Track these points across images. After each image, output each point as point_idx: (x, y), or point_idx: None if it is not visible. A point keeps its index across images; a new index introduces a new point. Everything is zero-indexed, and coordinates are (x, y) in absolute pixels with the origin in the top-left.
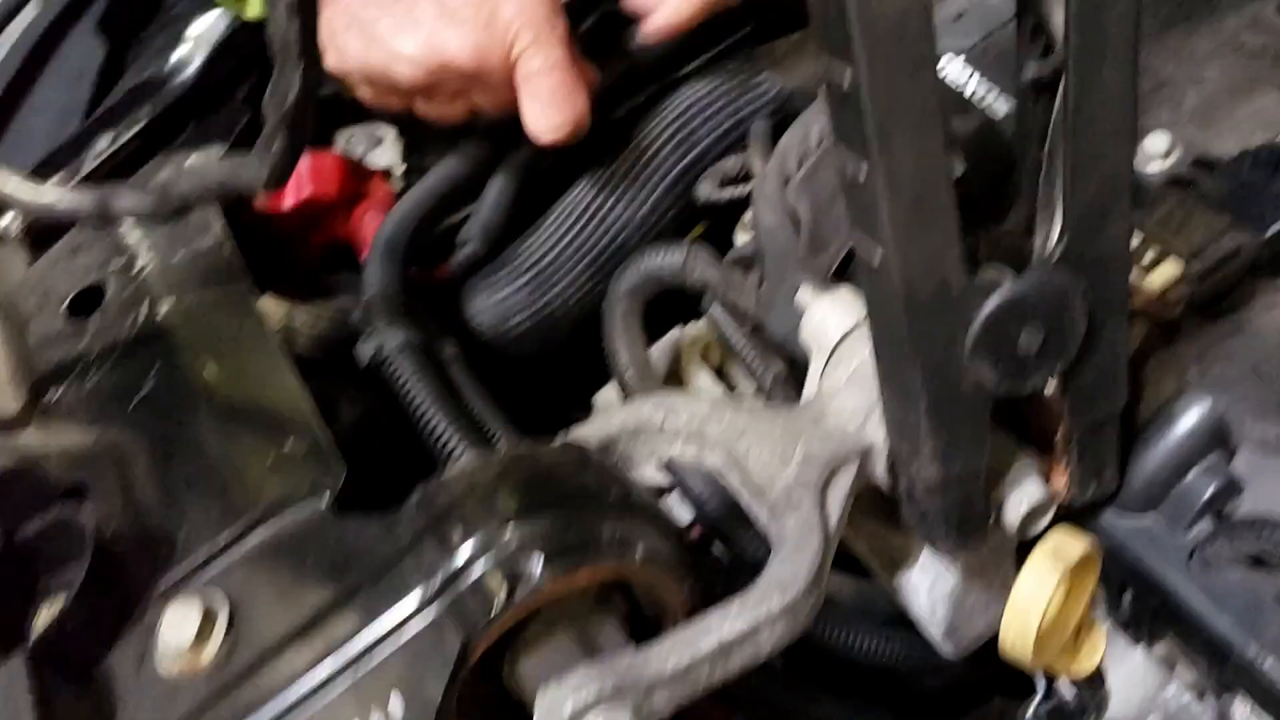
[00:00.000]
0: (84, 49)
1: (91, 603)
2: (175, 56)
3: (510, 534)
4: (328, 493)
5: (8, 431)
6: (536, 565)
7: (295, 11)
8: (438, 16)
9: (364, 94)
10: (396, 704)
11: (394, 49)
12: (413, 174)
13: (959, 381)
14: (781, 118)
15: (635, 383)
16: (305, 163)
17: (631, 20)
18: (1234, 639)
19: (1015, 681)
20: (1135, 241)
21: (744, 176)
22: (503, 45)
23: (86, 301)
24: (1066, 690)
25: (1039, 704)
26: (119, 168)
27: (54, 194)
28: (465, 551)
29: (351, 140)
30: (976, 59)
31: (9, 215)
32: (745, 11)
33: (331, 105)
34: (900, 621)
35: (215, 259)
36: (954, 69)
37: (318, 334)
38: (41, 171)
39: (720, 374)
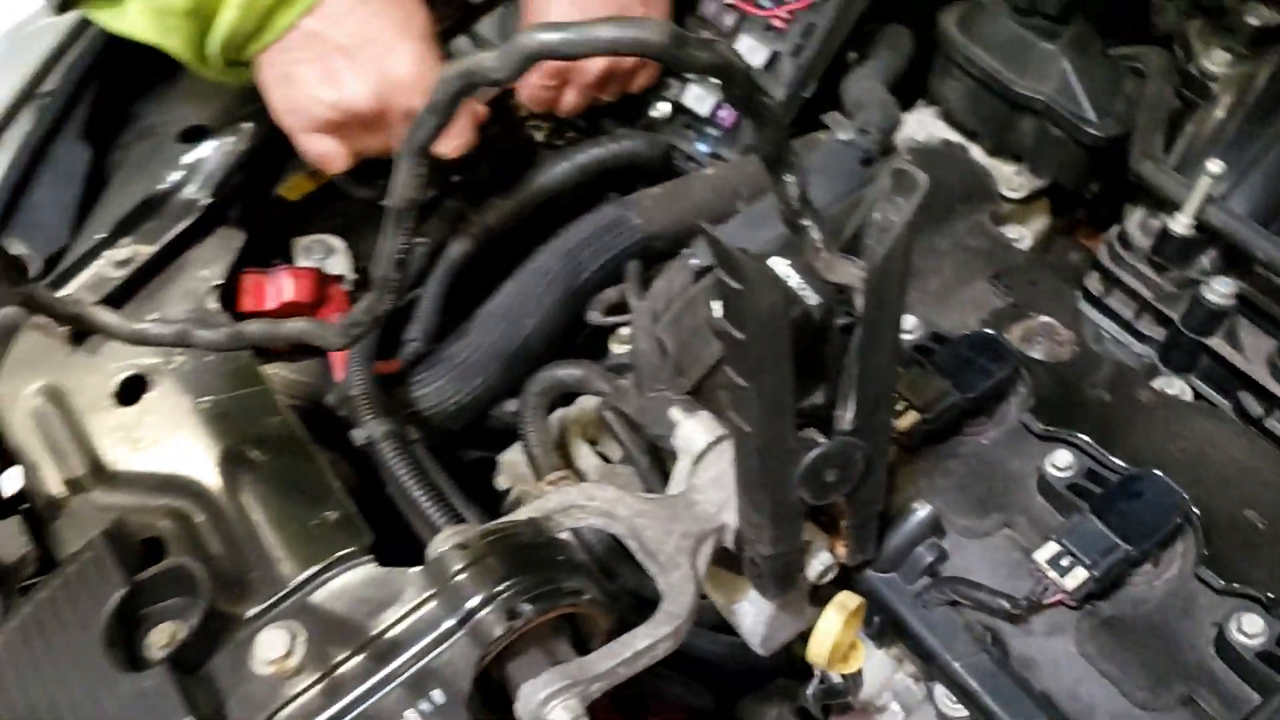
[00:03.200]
0: (71, 154)
1: (206, 626)
2: (173, 177)
3: (507, 589)
4: (369, 552)
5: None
6: (527, 608)
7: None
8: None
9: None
10: (438, 694)
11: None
12: (361, 278)
13: (788, 499)
14: (646, 254)
15: (540, 456)
16: (286, 274)
17: None
18: (937, 650)
19: (791, 667)
20: None
21: (621, 307)
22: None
23: (132, 388)
24: (833, 676)
25: (816, 685)
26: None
27: (145, 326)
28: (476, 600)
29: (309, 249)
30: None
31: None
32: None
33: (290, 215)
34: (722, 629)
35: (238, 361)
36: (779, 265)
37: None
38: (56, 262)
39: (593, 444)
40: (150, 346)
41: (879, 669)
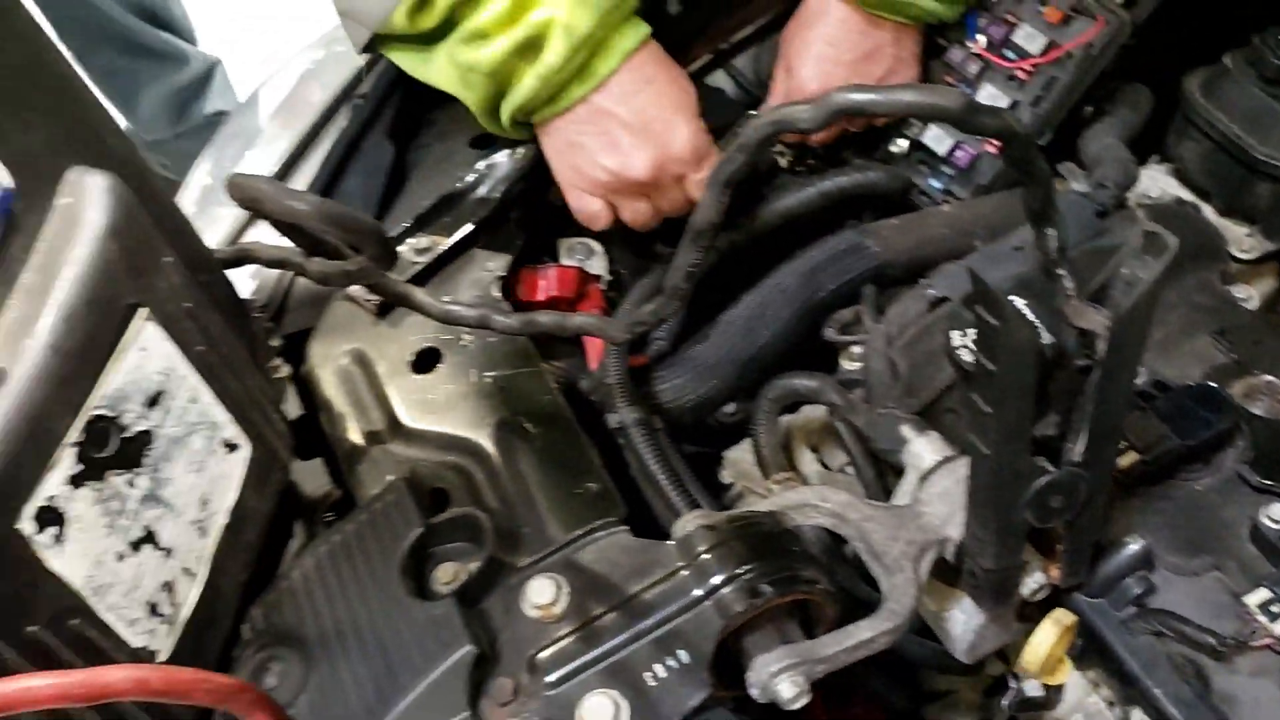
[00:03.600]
0: (379, 151)
1: (486, 569)
2: (467, 178)
3: (749, 571)
4: (624, 523)
5: (384, 445)
6: (767, 589)
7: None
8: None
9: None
10: (683, 654)
11: (598, 163)
12: (614, 280)
13: (1014, 518)
14: (880, 280)
15: (769, 456)
16: (554, 271)
17: None
18: (1139, 675)
19: (980, 681)
20: None
21: (854, 326)
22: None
23: (426, 359)
24: (1030, 688)
25: (1013, 697)
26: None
27: (454, 307)
28: (721, 577)
29: (572, 249)
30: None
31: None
32: None
33: (556, 219)
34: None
35: (517, 343)
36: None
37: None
38: None
39: (815, 451)
40: (455, 325)
41: (1074, 689)
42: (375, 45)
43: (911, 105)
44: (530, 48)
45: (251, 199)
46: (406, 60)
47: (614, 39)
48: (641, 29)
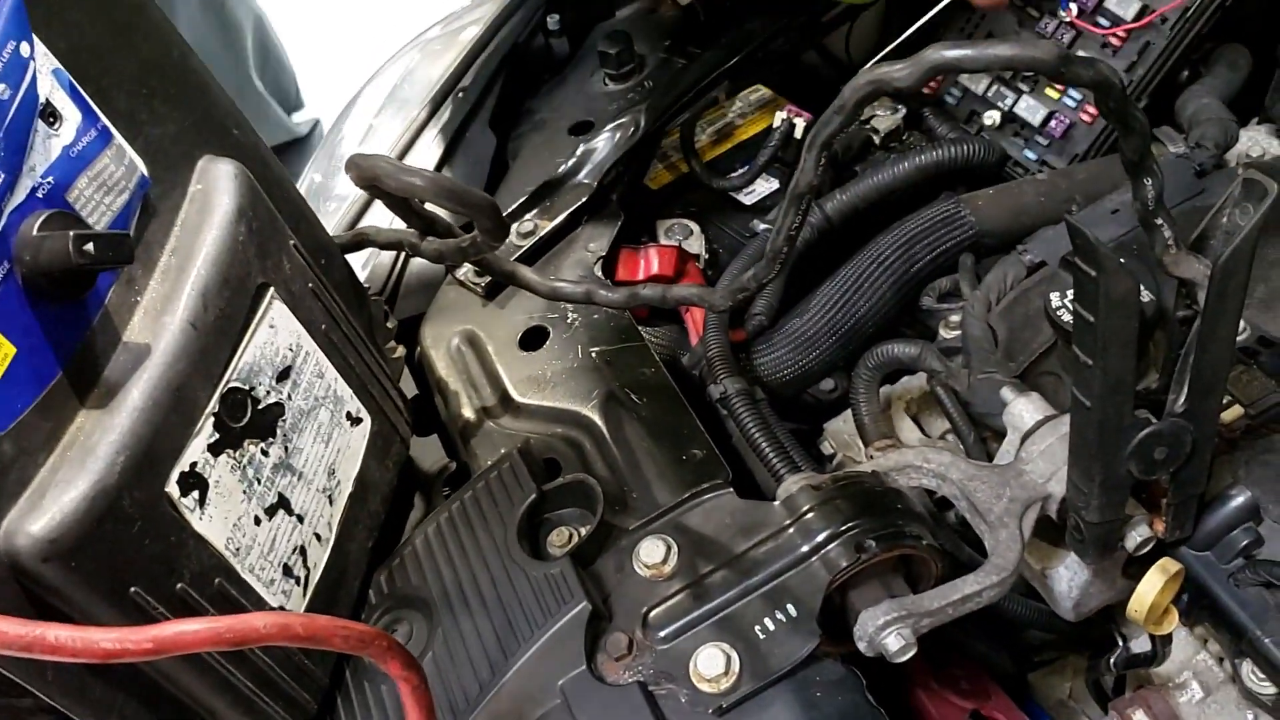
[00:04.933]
0: (481, 141)
1: (598, 531)
2: (567, 164)
3: (854, 527)
4: (729, 486)
5: (496, 419)
6: (872, 544)
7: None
8: None
9: None
10: (791, 608)
11: None
12: (710, 259)
13: (1118, 470)
14: (977, 249)
15: (869, 424)
16: (654, 250)
17: None
18: (1248, 625)
19: (1084, 644)
20: None
21: (952, 294)
22: None
23: (534, 337)
24: (1137, 644)
25: (1120, 653)
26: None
27: (559, 284)
28: (826, 533)
29: (671, 230)
30: (1124, 248)
31: (469, 269)
32: None
33: (653, 201)
34: (1028, 594)
35: (621, 320)
36: None
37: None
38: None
39: (915, 420)
40: (561, 301)
41: (1182, 647)
42: None
43: (1007, 58)
44: None
45: (371, 177)
46: None
47: None
48: None
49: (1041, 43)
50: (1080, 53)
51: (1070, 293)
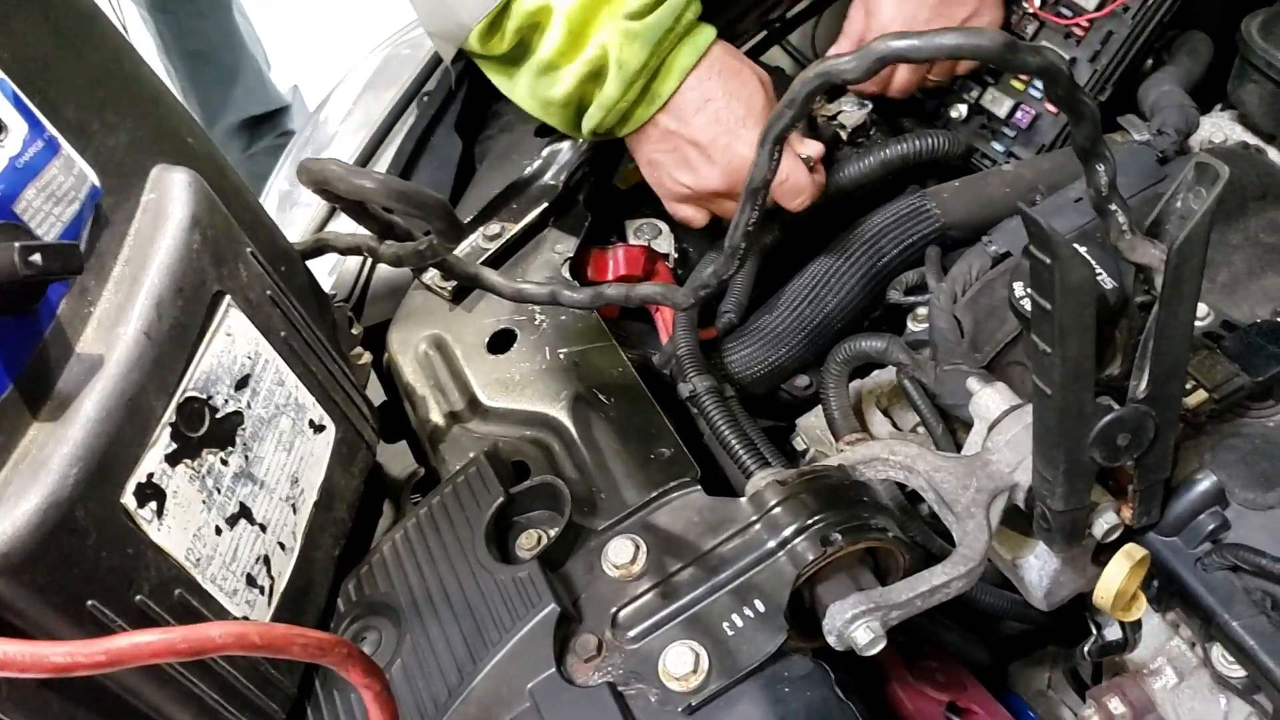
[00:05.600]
0: (446, 145)
1: (567, 533)
2: (534, 165)
3: (820, 520)
4: (698, 483)
5: (464, 424)
6: (838, 537)
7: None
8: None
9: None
10: (759, 604)
11: (675, 178)
12: (680, 258)
13: (1081, 458)
14: (943, 242)
15: (839, 419)
16: (623, 250)
17: None
18: (1216, 610)
19: (1063, 633)
20: None
21: (919, 288)
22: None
23: (501, 340)
24: (1110, 632)
25: (1093, 641)
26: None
27: (524, 286)
28: (793, 528)
29: (639, 230)
30: (1087, 236)
31: (435, 274)
32: None
33: (623, 201)
34: (1002, 586)
35: (589, 320)
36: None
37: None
38: None
39: (887, 414)
40: (526, 303)
41: (1155, 633)
42: (460, 59)
43: (952, 48)
44: (595, 77)
45: (321, 180)
46: (495, 78)
47: (671, 59)
48: (701, 39)
49: (987, 31)
50: (1044, 43)
51: None
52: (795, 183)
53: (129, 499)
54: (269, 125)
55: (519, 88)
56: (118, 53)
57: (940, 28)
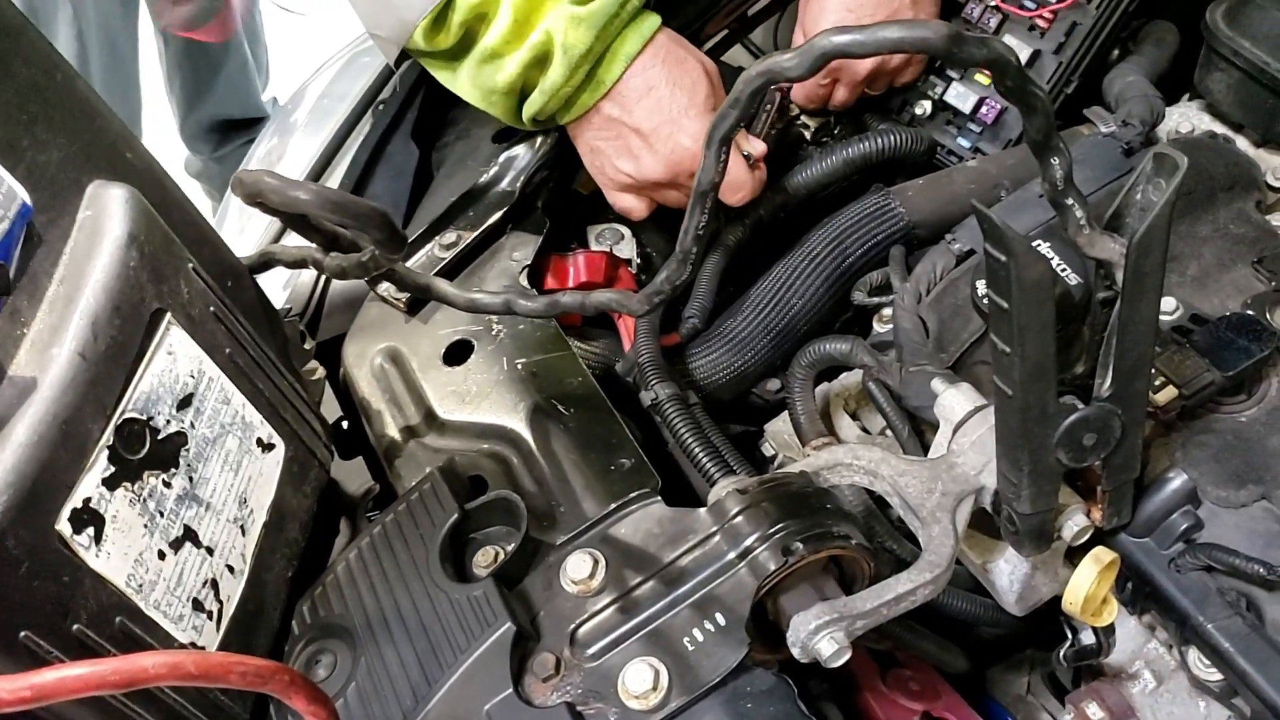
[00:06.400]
0: (403, 154)
1: (523, 549)
2: (489, 172)
3: (781, 529)
4: (658, 494)
5: (420, 438)
6: (799, 546)
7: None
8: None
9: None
10: (720, 617)
11: (616, 167)
12: (643, 263)
13: (1046, 459)
14: (908, 241)
15: (806, 424)
16: (583, 256)
17: None
18: (1190, 612)
19: (1041, 637)
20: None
21: (884, 288)
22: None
23: (458, 352)
24: (1086, 637)
25: (1068, 647)
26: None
27: (477, 295)
28: (753, 537)
29: (601, 235)
30: (1051, 231)
31: (390, 285)
32: None
33: (584, 207)
34: (977, 590)
35: (547, 329)
36: (1040, 248)
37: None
38: None
39: (854, 417)
40: (481, 313)
41: (1131, 637)
42: (405, 59)
43: (897, 42)
44: (539, 63)
45: (255, 193)
46: (438, 73)
47: (616, 45)
48: (646, 26)
49: (931, 23)
50: (1007, 36)
51: None
52: (734, 179)
53: (64, 525)
54: (242, 132)
55: (460, 79)
56: (49, 67)
57: (883, 21)
